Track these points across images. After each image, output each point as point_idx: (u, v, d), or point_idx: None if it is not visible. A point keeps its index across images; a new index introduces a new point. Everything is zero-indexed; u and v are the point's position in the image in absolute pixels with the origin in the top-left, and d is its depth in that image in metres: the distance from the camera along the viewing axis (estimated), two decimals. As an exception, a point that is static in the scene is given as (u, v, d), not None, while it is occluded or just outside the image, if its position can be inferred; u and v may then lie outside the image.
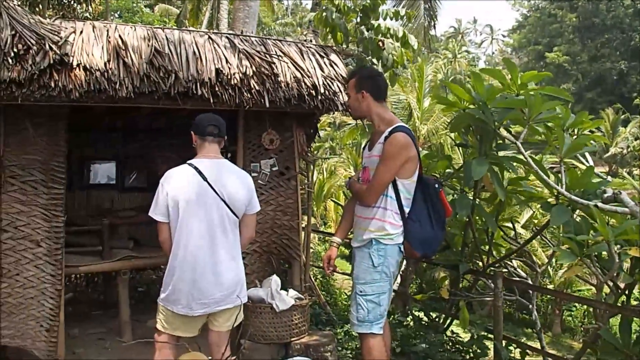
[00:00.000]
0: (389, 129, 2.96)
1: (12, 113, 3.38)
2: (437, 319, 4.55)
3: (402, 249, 3.04)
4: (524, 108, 3.36)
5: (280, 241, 4.35)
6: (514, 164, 3.55)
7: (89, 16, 11.33)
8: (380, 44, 4.27)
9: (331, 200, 14.62)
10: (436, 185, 3.12)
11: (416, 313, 4.60)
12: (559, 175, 3.36)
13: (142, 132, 5.22)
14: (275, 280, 3.93)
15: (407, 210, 3.01)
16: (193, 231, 2.81)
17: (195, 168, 2.86)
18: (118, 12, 21.79)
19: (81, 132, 3.98)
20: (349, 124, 20.19)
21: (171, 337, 2.96)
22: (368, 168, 3.12)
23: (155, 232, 4.60)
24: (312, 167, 4.50)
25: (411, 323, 4.44)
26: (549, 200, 3.46)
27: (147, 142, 5.19)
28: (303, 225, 4.49)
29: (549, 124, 3.53)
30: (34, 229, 3.54)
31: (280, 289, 3.89)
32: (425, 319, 4.55)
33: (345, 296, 6.04)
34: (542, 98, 3.31)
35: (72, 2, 11.23)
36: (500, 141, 3.67)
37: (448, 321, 4.41)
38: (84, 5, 11.69)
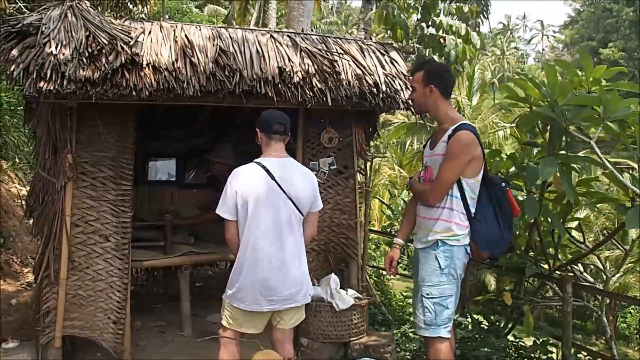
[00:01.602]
0: (453, 127, 2.90)
1: (82, 111, 3.48)
2: (496, 323, 4.43)
3: (469, 251, 2.97)
4: (596, 105, 3.22)
5: (338, 240, 4.34)
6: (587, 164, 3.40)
7: (144, 17, 11.63)
8: (442, 40, 4.18)
9: (375, 197, 14.52)
10: (503, 185, 3.03)
11: (474, 315, 4.49)
12: (636, 175, 3.21)
13: (202, 129, 5.30)
14: (334, 279, 3.93)
15: (472, 210, 2.94)
16: (262, 229, 2.84)
17: (263, 167, 2.89)
18: (168, 14, 22.29)
19: (143, 128, 4.05)
20: (394, 123, 20.00)
21: (236, 333, 2.99)
22: (430, 167, 3.06)
23: (214, 228, 4.75)
24: (370, 165, 4.44)
25: (469, 326, 4.34)
26: (625, 202, 3.30)
27: (206, 140, 5.26)
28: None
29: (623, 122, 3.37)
30: (103, 224, 3.65)
31: (340, 288, 3.88)
32: (485, 322, 4.43)
33: (401, 296, 5.97)
34: (618, 95, 3.16)
35: (128, 3, 11.54)
36: (568, 140, 3.53)
37: (509, 325, 4.28)
38: (140, 6, 12.00)
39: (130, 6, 11.82)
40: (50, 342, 3.54)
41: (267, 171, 2.88)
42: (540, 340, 3.65)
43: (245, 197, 2.83)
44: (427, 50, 4.33)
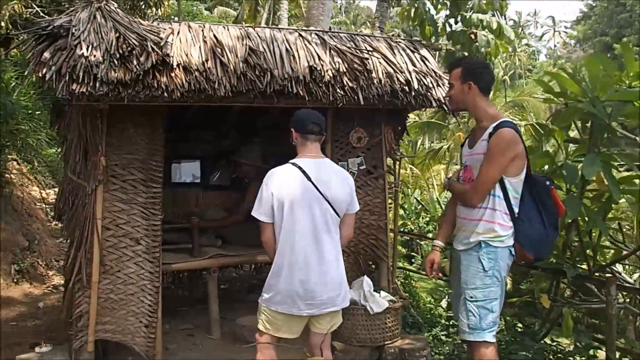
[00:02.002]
0: (494, 125, 2.82)
1: (112, 113, 3.43)
2: (531, 326, 4.33)
3: (513, 252, 2.89)
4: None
5: (368, 241, 4.27)
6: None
7: (159, 20, 11.62)
8: (472, 36, 4.10)
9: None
10: (547, 183, 2.95)
11: (508, 318, 4.40)
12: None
13: (229, 130, 5.25)
14: (366, 281, 3.87)
15: (516, 210, 2.86)
16: (299, 231, 2.78)
17: (299, 167, 2.83)
18: (180, 16, 22.33)
19: (171, 131, 4.01)
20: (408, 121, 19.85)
21: (273, 338, 2.94)
22: (470, 167, 2.98)
23: (239, 230, 4.71)
24: (399, 165, 4.37)
25: (504, 328, 4.25)
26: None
27: (231, 141, 5.21)
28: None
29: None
30: (134, 227, 3.61)
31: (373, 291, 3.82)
32: (520, 324, 4.34)
33: (430, 298, 5.89)
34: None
35: (142, 6, 11.55)
36: (609, 136, 3.43)
37: (545, 328, 4.18)
38: (154, 9, 12.01)
39: (145, 9, 11.84)
40: (83, 347, 3.51)
41: (303, 172, 2.82)
42: (583, 343, 3.55)
43: (282, 199, 2.77)
44: (456, 46, 4.23)
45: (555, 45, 58.96)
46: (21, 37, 10.21)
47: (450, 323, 4.79)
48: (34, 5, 10.69)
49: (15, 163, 7.25)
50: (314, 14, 6.55)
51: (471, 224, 2.89)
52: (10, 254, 5.65)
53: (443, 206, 19.97)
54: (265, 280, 2.91)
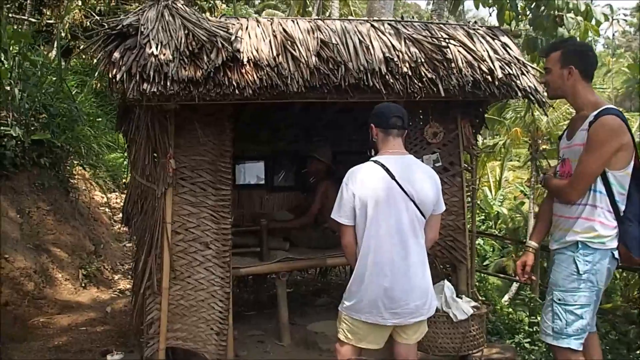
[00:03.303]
0: (595, 113, 2.51)
1: (180, 113, 3.32)
2: (626, 334, 3.96)
3: (617, 255, 2.57)
4: None
5: (445, 243, 4.02)
6: None
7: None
8: (558, 20, 3.76)
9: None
10: None
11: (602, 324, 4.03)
12: None
13: (291, 128, 5.09)
14: (448, 286, 3.60)
15: (621, 207, 2.55)
16: (383, 235, 2.57)
17: (382, 165, 2.61)
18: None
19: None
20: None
21: (355, 349, 2.73)
22: (568, 160, 2.68)
23: (305, 232, 4.54)
24: (477, 161, 4.08)
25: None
26: None
27: (296, 139, 5.05)
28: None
29: None
30: (204, 231, 3.50)
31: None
32: (613, 332, 3.97)
33: (506, 302, 5.55)
34: None
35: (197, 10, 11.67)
36: None
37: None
38: (208, 13, 12.10)
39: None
40: (154, 354, 3.42)
41: (387, 170, 2.60)
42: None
43: (364, 199, 2.57)
44: (538, 32, 3.91)
45: (614, 34, 56.26)
46: (81, 46, 10.50)
47: (534, 329, 4.46)
48: (94, 14, 10.98)
49: (80, 168, 7.37)
50: (375, 7, 6.32)
51: (568, 222, 2.60)
52: (77, 259, 5.70)
53: (496, 204, 19.38)
54: (330, 283, 2.71)
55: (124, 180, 8.63)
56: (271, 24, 3.44)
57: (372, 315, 2.60)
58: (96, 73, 6.85)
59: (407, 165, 2.67)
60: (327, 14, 17.48)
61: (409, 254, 2.60)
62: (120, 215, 5.16)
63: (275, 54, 3.19)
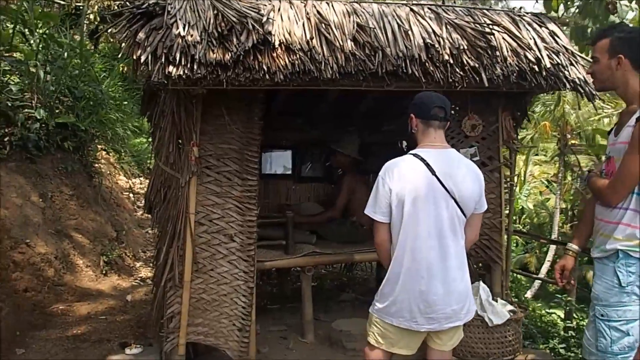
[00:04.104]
0: None
1: (206, 99, 3.16)
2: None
3: None
4: None
5: (480, 241, 3.79)
6: None
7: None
8: (611, 7, 3.49)
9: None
10: None
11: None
12: None
13: (322, 116, 4.90)
14: (483, 288, 3.41)
15: None
16: (421, 233, 2.37)
17: (422, 159, 2.41)
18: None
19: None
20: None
21: (385, 354, 2.56)
22: (613, 158, 2.42)
23: (333, 226, 4.37)
24: (516, 156, 3.85)
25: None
26: None
27: (327, 129, 4.85)
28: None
29: None
30: (228, 223, 3.35)
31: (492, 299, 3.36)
32: None
33: (537, 305, 5.32)
34: None
35: None
36: None
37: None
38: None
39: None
40: (174, 349, 3.30)
41: (427, 164, 2.40)
42: None
43: (402, 195, 2.37)
44: (588, 20, 3.64)
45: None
46: (110, 30, 10.45)
47: (569, 334, 4.23)
48: (121, -2, 10.89)
49: (104, 153, 7.31)
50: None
51: (608, 228, 2.36)
52: (99, 245, 5.63)
53: (522, 198, 18.91)
54: (356, 278, 2.53)
55: (148, 165, 8.58)
56: (305, 6, 3.24)
57: (406, 320, 2.43)
58: (120, 55, 6.73)
59: (449, 159, 2.47)
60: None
61: (447, 255, 2.41)
62: (143, 201, 5.06)
63: (308, 37, 3.00)
